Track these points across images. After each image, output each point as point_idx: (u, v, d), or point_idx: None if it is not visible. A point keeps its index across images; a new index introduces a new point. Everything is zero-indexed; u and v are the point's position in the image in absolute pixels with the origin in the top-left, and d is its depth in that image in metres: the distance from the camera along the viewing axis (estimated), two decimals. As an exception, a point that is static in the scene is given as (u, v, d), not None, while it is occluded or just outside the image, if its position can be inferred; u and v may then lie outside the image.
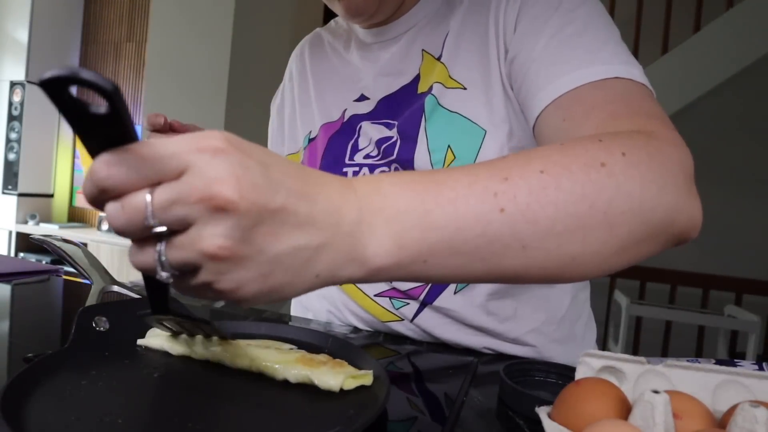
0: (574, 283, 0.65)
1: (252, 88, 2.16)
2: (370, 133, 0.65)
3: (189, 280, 0.27)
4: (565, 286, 0.64)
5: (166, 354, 0.46)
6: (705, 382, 0.35)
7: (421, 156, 0.59)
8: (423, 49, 0.63)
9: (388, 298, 0.64)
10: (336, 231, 0.29)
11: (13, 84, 3.55)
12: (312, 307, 0.74)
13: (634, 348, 2.89)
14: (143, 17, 3.85)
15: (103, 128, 0.24)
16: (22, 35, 3.54)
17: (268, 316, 0.71)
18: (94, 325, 0.47)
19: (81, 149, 3.82)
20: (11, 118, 3.52)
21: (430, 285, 0.61)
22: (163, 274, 0.26)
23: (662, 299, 2.90)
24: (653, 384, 0.35)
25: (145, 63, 2.40)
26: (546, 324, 0.62)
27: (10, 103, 3.53)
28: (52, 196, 3.81)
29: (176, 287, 0.28)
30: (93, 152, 0.25)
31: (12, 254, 3.49)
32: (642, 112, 0.43)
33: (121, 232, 0.26)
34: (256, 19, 2.22)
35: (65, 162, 3.82)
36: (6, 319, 0.60)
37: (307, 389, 0.40)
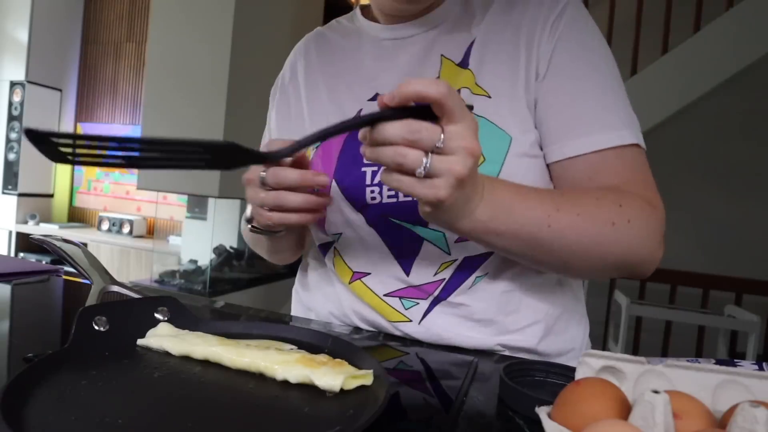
0: (569, 279, 0.68)
1: (252, 88, 2.15)
2: None
3: (426, 182, 0.43)
4: (563, 281, 0.66)
5: (166, 354, 0.46)
6: (705, 382, 0.35)
7: None
8: (442, 55, 0.64)
9: (398, 298, 0.64)
10: (477, 195, 0.49)
11: (13, 84, 3.55)
12: (314, 308, 0.74)
13: (634, 348, 2.89)
14: (143, 17, 3.85)
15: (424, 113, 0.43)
16: (22, 35, 3.55)
17: (268, 316, 0.71)
18: (94, 325, 0.47)
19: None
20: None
21: (446, 281, 0.62)
22: (420, 170, 0.43)
23: (662, 299, 2.90)
24: (653, 384, 0.35)
25: (145, 63, 2.40)
26: (547, 316, 0.64)
27: (10, 103, 3.53)
28: (52, 196, 3.81)
29: (410, 185, 0.44)
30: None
31: (12, 254, 3.49)
32: (647, 182, 0.59)
33: (401, 166, 0.43)
34: (256, 19, 2.22)
35: (65, 162, 3.82)
36: (6, 319, 0.60)
37: (307, 389, 0.40)
